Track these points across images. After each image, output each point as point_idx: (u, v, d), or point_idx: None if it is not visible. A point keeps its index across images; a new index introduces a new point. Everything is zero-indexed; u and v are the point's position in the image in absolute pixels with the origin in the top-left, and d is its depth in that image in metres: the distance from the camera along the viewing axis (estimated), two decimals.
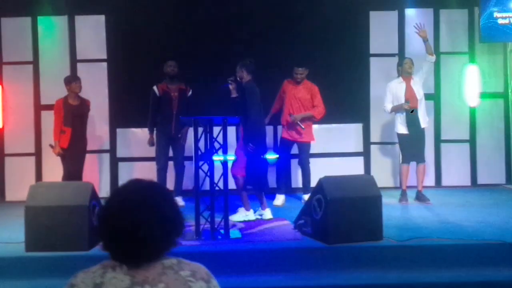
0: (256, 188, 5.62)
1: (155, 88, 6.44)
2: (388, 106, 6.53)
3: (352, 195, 4.63)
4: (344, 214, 4.55)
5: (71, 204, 4.54)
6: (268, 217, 5.57)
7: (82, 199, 4.60)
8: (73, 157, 6.29)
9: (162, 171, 6.45)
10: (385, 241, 4.57)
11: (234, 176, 5.55)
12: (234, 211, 5.62)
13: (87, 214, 4.52)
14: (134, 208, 1.49)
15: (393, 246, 4.49)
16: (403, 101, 6.40)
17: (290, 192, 7.13)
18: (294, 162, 7.01)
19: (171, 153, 6.57)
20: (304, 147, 6.63)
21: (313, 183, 6.30)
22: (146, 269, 1.51)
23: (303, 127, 6.44)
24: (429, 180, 7.46)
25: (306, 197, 6.10)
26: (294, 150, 6.76)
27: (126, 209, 1.50)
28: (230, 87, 5.51)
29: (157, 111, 6.44)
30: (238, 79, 5.57)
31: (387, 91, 6.54)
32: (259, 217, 5.60)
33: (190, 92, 6.51)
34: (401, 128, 6.50)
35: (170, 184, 6.56)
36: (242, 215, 5.60)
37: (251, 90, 5.47)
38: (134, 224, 1.48)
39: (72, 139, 6.25)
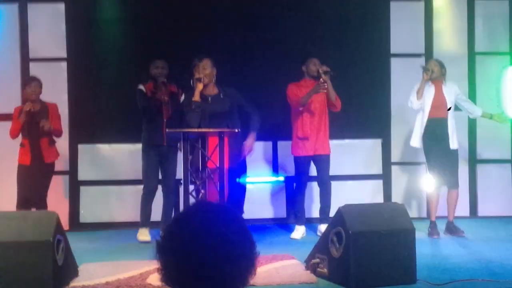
0: None
1: (141, 86, 6.46)
2: (413, 97, 6.60)
3: (379, 228, 4.68)
4: (370, 251, 4.60)
5: (30, 239, 4.46)
6: None
7: (45, 233, 4.51)
8: (34, 177, 6.35)
9: (149, 196, 6.47)
10: (420, 285, 4.65)
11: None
12: None
13: (51, 251, 4.45)
14: (211, 242, 1.58)
15: None
16: (429, 107, 6.60)
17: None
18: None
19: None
20: (326, 161, 6.75)
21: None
22: None
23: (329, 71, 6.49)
24: (462, 209, 7.56)
25: (323, 228, 6.23)
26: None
27: (202, 243, 1.58)
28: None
29: (144, 115, 6.44)
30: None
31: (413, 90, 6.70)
32: None
33: (183, 97, 6.39)
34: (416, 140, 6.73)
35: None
36: None
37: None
38: (211, 262, 1.57)
39: (33, 154, 6.32)
